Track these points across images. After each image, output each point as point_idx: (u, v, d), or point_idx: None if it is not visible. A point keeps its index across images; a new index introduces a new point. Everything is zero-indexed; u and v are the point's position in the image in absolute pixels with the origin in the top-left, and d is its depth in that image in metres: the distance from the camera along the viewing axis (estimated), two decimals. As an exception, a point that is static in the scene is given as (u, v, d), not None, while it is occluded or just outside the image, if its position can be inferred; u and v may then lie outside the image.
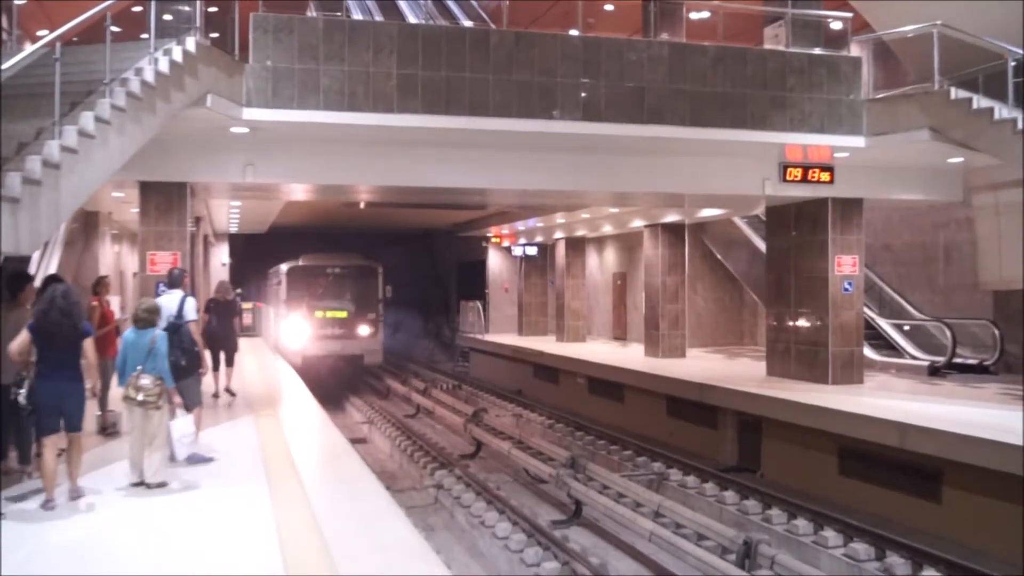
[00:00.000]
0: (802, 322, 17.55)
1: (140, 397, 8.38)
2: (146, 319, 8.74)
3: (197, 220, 21.86)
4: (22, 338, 7.74)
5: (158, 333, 8.68)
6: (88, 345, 8.12)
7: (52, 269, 15.81)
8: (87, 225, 19.48)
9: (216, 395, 14.78)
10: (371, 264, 29.91)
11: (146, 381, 8.43)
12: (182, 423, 8.40)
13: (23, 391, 7.72)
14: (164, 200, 13.73)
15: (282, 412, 13.63)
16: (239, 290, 37.71)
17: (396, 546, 6.68)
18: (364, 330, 28.64)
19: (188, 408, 9.72)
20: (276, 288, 31.30)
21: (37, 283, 9.78)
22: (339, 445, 10.89)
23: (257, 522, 7.30)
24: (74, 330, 7.95)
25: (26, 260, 12.56)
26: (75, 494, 8.08)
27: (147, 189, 13.71)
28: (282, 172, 14.22)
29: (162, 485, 8.50)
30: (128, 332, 8.81)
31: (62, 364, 7.88)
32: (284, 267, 29.57)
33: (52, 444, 7.90)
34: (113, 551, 6.61)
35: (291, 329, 28.19)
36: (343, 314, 28.60)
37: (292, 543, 6.68)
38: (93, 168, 8.82)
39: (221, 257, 34.89)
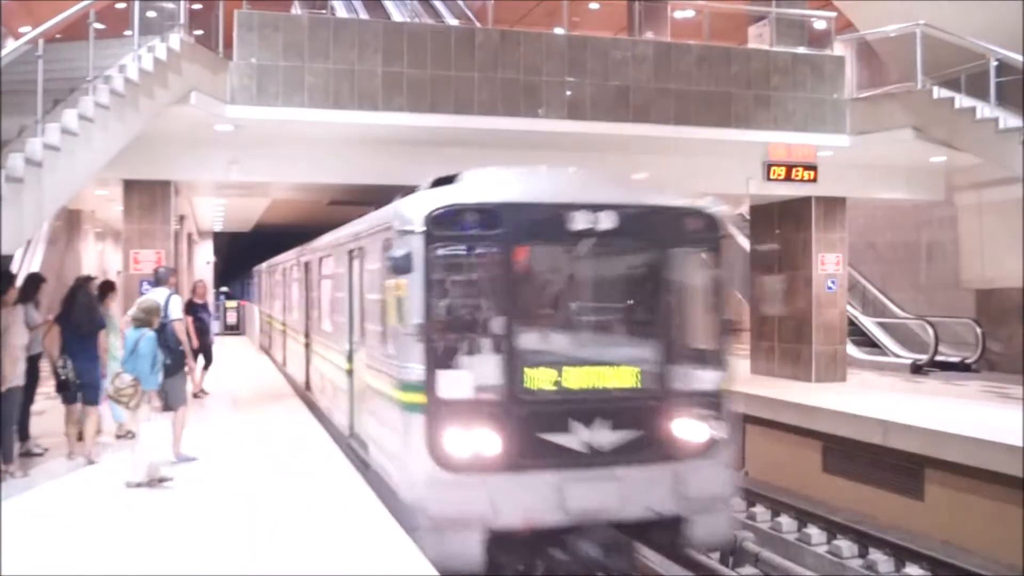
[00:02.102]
0: (786, 320, 17.62)
1: (113, 395, 8.52)
2: (141, 319, 8.75)
3: (181, 218, 21.77)
4: (56, 330, 9.63)
5: (144, 333, 8.66)
6: (102, 335, 9.90)
7: (35, 267, 15.73)
8: (70, 223, 19.40)
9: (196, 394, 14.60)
10: (703, 211, 8.36)
11: (122, 380, 8.46)
12: (152, 427, 8.34)
13: (68, 369, 9.51)
14: (148, 198, 13.68)
15: (263, 409, 13.60)
16: (225, 288, 37.68)
17: (380, 544, 6.67)
18: (694, 432, 7.96)
19: (173, 407, 9.67)
20: (357, 285, 10.29)
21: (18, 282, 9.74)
22: (322, 442, 10.87)
23: (239, 520, 7.29)
24: (92, 323, 9.82)
25: (8, 259, 12.49)
26: (90, 459, 9.52)
27: (131, 187, 13.66)
28: (266, 170, 14.19)
29: (140, 485, 8.45)
30: (129, 330, 8.84)
31: (84, 350, 9.62)
32: (407, 212, 7.82)
33: (73, 412, 9.79)
34: (94, 549, 6.58)
35: (433, 433, 7.44)
36: (629, 378, 7.93)
37: (274, 541, 6.67)
38: (77, 166, 8.79)
39: (205, 256, 34.76)
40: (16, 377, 8.82)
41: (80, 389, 9.63)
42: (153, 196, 13.68)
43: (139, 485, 8.43)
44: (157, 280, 10.83)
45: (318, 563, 6.18)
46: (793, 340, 17.43)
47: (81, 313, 9.79)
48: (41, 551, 6.54)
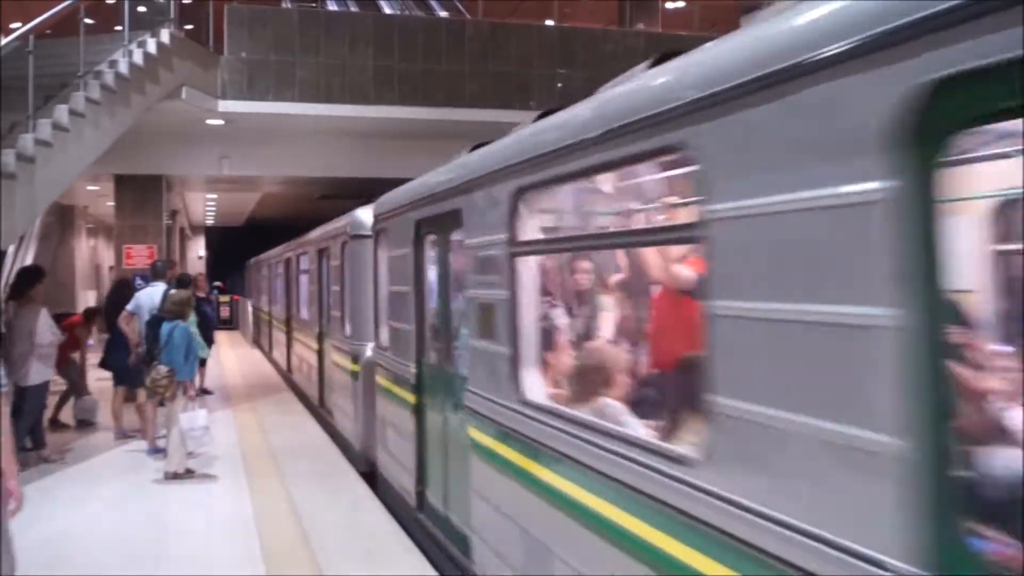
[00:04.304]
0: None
1: (150, 385, 8.65)
2: (174, 311, 8.79)
3: (173, 213, 21.78)
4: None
5: (177, 325, 8.69)
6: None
7: (27, 263, 15.70)
8: (62, 219, 19.36)
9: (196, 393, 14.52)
10: None
11: (158, 372, 8.55)
12: (191, 416, 8.41)
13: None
14: (139, 193, 13.70)
15: (260, 405, 13.60)
16: (218, 283, 37.70)
17: (376, 539, 6.70)
18: None
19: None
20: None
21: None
22: (318, 438, 10.88)
23: (236, 516, 7.31)
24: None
25: (1, 255, 12.50)
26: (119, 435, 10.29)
27: (122, 182, 13.67)
28: (258, 164, 14.20)
29: (180, 475, 8.48)
30: (164, 324, 8.86)
31: (119, 340, 10.20)
32: None
33: (120, 393, 10.48)
34: (91, 545, 6.59)
35: None
36: None
37: (271, 537, 6.69)
38: (68, 161, 8.79)
39: (197, 250, 34.74)
40: (46, 372, 9.03)
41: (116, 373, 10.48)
42: (144, 191, 13.70)
43: (176, 475, 8.47)
44: (155, 274, 10.73)
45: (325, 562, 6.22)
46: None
47: (117, 307, 10.37)
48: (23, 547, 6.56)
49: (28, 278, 9.30)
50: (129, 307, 9.94)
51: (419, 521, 6.56)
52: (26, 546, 6.48)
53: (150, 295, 9.92)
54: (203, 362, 14.80)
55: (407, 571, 5.94)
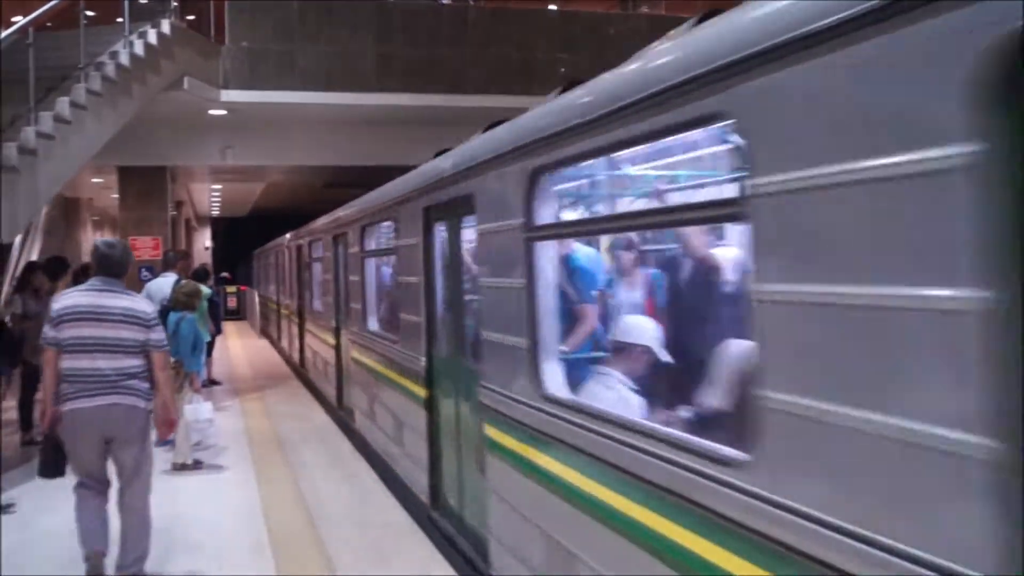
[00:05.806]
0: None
1: None
2: (184, 302, 8.78)
3: (178, 204, 21.79)
4: None
5: (184, 316, 8.69)
6: None
7: (34, 257, 15.73)
8: (67, 212, 19.39)
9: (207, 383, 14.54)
10: None
11: None
12: (196, 409, 8.41)
13: None
14: (143, 185, 13.70)
15: (268, 394, 13.62)
16: (225, 273, 37.76)
17: (385, 527, 6.70)
18: None
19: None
20: None
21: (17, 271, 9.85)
22: (326, 427, 10.89)
23: (244, 505, 7.31)
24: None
25: (7, 247, 12.51)
26: None
27: (126, 174, 13.67)
28: (261, 154, 14.18)
29: (187, 467, 8.49)
30: (172, 314, 8.85)
31: None
32: None
33: None
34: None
35: None
36: None
37: (279, 525, 6.69)
38: (70, 154, 8.78)
39: (204, 241, 34.75)
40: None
41: None
42: (148, 182, 13.71)
43: (183, 466, 8.49)
44: (166, 264, 10.73)
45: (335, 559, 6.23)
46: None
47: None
48: (32, 539, 6.57)
49: (55, 270, 9.69)
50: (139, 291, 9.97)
51: None
52: (32, 539, 6.50)
53: (160, 286, 9.92)
54: (210, 352, 14.83)
55: (416, 560, 5.94)
